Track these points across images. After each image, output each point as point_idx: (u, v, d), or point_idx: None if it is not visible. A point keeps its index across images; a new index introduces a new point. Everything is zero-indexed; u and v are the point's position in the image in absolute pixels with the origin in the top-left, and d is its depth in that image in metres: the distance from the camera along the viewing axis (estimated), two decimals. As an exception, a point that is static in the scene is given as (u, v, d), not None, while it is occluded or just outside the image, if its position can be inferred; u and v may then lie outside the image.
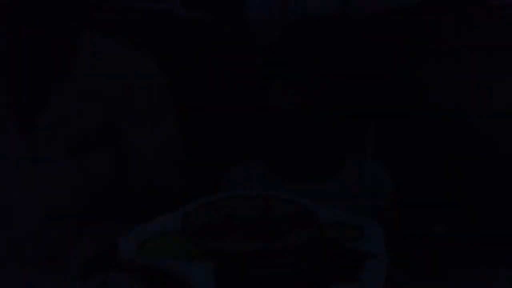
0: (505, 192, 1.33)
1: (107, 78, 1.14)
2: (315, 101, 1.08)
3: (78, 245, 1.09)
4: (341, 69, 1.10)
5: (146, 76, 1.18)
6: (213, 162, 1.35)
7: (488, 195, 1.33)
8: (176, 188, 1.18)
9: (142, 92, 1.16)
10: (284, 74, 1.11)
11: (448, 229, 1.30)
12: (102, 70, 1.14)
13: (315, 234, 0.77)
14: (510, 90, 1.36)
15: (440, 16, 1.37)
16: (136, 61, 1.18)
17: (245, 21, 1.65)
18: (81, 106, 1.12)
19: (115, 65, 1.16)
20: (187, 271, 0.71)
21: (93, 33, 1.16)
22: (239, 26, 1.49)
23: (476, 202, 1.34)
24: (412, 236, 1.13)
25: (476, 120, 1.36)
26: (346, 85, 1.10)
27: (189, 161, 1.23)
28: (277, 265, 0.72)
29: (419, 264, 0.94)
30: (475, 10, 1.37)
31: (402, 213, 1.19)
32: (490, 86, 1.36)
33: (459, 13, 1.36)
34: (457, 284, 0.92)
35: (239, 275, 0.71)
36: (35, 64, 1.11)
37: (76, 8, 1.11)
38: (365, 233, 0.80)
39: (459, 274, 0.93)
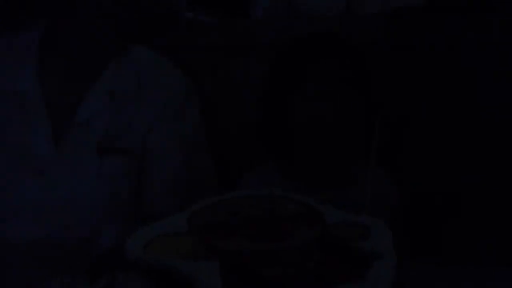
0: (505, 192, 1.32)
1: (134, 82, 1.19)
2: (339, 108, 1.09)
3: (89, 245, 1.10)
4: (351, 77, 1.11)
5: (173, 85, 1.22)
6: (223, 168, 1.35)
7: (488, 195, 1.33)
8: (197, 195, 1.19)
9: (168, 101, 1.20)
10: (309, 83, 1.12)
11: (448, 229, 1.30)
12: (131, 74, 1.19)
13: (322, 233, 0.77)
14: (511, 90, 1.36)
15: (442, 16, 1.37)
16: (167, 71, 1.23)
17: (251, 22, 1.65)
18: (105, 107, 1.15)
19: (145, 72, 1.20)
20: (193, 271, 0.71)
21: (128, 43, 1.22)
22: (245, 27, 1.49)
23: (476, 202, 1.34)
24: (412, 236, 1.13)
25: (477, 120, 1.35)
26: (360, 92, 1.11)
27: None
28: (283, 264, 0.72)
29: (419, 263, 0.94)
30: (476, 10, 1.37)
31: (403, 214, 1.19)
32: (490, 86, 1.35)
33: (461, 13, 1.36)
34: (457, 283, 0.92)
35: (245, 275, 0.71)
36: (70, 66, 1.17)
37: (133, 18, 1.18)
38: (372, 233, 0.80)
39: (459, 274, 0.93)
